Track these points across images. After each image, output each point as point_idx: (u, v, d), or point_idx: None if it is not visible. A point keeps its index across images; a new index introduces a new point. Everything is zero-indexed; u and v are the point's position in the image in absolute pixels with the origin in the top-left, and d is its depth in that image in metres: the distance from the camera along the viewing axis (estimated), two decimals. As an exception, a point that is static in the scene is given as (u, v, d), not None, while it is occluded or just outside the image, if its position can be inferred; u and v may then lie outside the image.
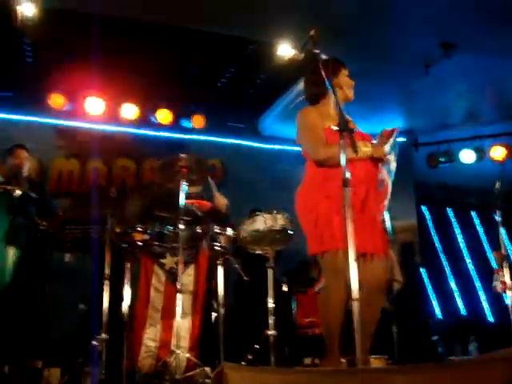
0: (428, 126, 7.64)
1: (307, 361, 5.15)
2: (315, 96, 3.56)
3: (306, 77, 3.67)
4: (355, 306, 2.52)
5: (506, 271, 4.58)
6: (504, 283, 4.59)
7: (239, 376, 1.87)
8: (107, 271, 4.33)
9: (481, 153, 7.84)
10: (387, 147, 3.53)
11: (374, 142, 3.61)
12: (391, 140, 3.56)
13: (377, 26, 5.49)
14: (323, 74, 3.03)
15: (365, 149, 3.37)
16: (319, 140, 3.37)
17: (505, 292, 4.57)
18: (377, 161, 3.45)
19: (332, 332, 3.26)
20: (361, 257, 3.20)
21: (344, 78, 3.59)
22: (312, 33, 2.95)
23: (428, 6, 5.19)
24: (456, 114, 7.56)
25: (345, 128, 2.75)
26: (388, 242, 3.52)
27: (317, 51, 2.99)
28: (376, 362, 4.49)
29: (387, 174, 3.54)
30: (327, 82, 2.98)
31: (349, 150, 3.25)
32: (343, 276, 3.05)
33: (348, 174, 2.74)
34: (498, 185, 5.00)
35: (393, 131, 3.60)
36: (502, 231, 4.69)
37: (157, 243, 4.38)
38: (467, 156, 7.87)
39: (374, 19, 5.38)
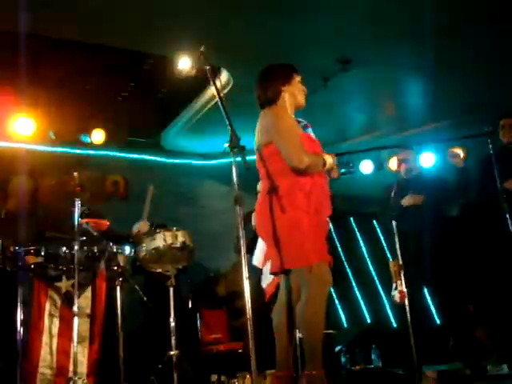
0: (329, 137, 7.78)
1: (213, 378, 5.08)
2: (270, 100, 3.44)
3: (259, 82, 3.55)
4: (249, 324, 2.48)
5: (403, 280, 4.71)
6: (402, 292, 4.70)
7: None
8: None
9: (379, 164, 8.14)
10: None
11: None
12: None
13: (274, 38, 5.54)
14: (213, 86, 3.01)
15: (330, 160, 3.45)
16: (301, 146, 3.29)
17: (403, 301, 4.68)
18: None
19: (318, 343, 3.14)
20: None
21: (297, 84, 3.54)
22: (202, 49, 2.92)
23: (324, 22, 5.29)
24: (355, 127, 7.77)
25: (236, 145, 2.72)
26: None
27: (208, 67, 2.96)
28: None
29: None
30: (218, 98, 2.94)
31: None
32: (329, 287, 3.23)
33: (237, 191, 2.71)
34: (393, 194, 5.14)
35: None
36: (397, 240, 4.80)
37: (51, 265, 4.20)
38: (366, 167, 8.13)
39: (271, 31, 5.42)
